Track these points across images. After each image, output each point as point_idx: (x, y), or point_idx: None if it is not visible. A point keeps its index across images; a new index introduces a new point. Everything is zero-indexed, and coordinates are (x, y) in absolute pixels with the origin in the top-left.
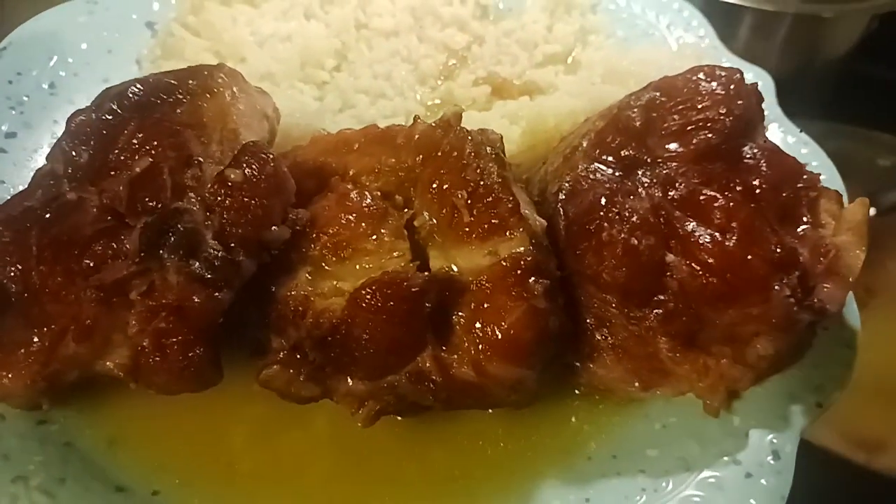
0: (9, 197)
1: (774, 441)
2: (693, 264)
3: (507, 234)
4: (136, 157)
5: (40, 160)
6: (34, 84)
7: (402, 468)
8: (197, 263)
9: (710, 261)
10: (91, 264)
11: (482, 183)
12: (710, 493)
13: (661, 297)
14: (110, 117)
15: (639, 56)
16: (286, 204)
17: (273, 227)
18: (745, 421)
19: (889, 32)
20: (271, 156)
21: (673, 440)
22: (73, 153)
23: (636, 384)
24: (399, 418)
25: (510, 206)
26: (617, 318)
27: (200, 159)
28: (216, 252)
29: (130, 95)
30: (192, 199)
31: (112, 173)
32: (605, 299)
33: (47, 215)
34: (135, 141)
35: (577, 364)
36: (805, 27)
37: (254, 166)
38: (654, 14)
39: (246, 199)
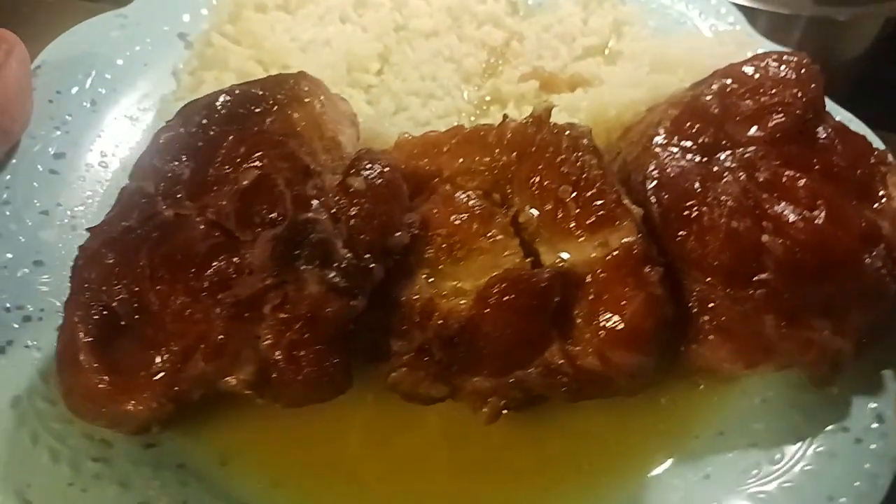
0: (66, 221)
1: (875, 406)
2: (787, 243)
3: (616, 224)
4: (242, 170)
5: (93, 180)
6: (75, 102)
7: (522, 461)
8: (332, 273)
9: (803, 238)
10: (216, 280)
11: (584, 175)
12: (825, 461)
13: (762, 277)
14: (202, 131)
15: (682, 46)
16: (404, 209)
17: (396, 233)
18: (843, 389)
19: None
20: (387, 162)
21: (776, 413)
22: (165, 170)
23: (741, 363)
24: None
25: (614, 196)
26: (721, 300)
27: (319, 169)
28: (349, 260)
29: (219, 108)
30: (317, 209)
31: (214, 188)
32: (708, 283)
33: (153, 234)
34: (237, 154)
35: (682, 348)
36: (819, 30)
37: (373, 173)
38: (683, 4)
39: (370, 207)
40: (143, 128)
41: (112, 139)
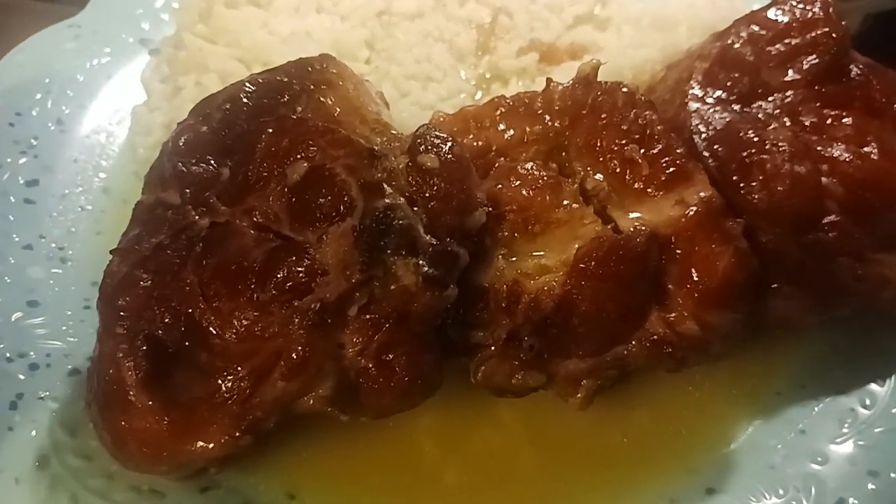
0: (53, 253)
1: None
2: (847, 182)
3: (689, 179)
4: (288, 164)
5: (73, 205)
6: (39, 123)
7: (610, 442)
8: (421, 261)
9: (862, 176)
10: (289, 287)
11: (647, 132)
12: None
13: (829, 220)
14: (228, 128)
15: (678, 4)
16: (477, 185)
17: (475, 212)
18: None
19: (882, 31)
20: (451, 137)
21: (851, 359)
22: (192, 174)
23: (817, 309)
24: None
25: (682, 150)
26: (791, 248)
27: (385, 151)
28: (435, 246)
29: (244, 99)
30: (392, 194)
31: (257, 188)
32: (777, 232)
33: (196, 248)
34: (278, 147)
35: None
36: None
37: (444, 149)
38: None
39: (447, 186)
40: (119, 144)
41: (87, 159)
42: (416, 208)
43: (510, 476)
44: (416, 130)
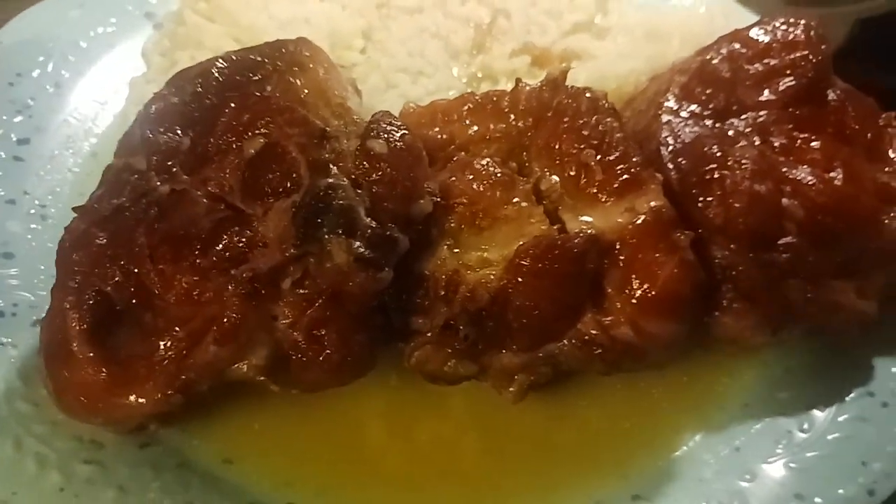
0: (34, 210)
1: None
2: (808, 205)
3: (642, 188)
4: (246, 139)
5: (61, 166)
6: (37, 86)
7: (552, 441)
8: (357, 243)
9: (824, 200)
10: (228, 256)
11: (606, 139)
12: (856, 426)
13: (785, 241)
14: (197, 100)
15: (674, 17)
16: (425, 175)
17: (420, 200)
18: (864, 354)
19: (871, 36)
20: (405, 125)
21: (800, 382)
22: (159, 142)
23: (767, 329)
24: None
25: (638, 159)
26: (745, 266)
27: (336, 133)
28: (374, 229)
29: (216, 74)
30: (337, 175)
31: (215, 159)
32: (731, 249)
33: (151, 211)
34: (239, 122)
35: (705, 318)
36: None
37: (394, 137)
38: None
39: (393, 172)
40: (114, 112)
41: (80, 124)
42: (360, 191)
43: (451, 466)
44: (372, 116)
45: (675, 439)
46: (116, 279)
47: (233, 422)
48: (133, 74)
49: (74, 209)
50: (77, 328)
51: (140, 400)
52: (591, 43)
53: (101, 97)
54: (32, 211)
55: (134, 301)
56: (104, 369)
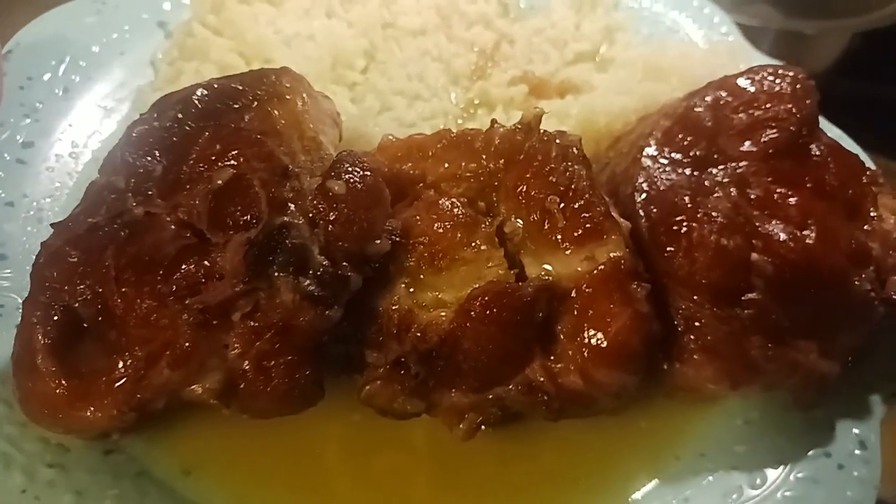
0: (32, 213)
1: (858, 431)
2: (777, 262)
3: (603, 237)
4: (216, 169)
5: (61, 171)
6: (47, 89)
7: (503, 480)
8: (307, 281)
9: (793, 258)
10: (185, 285)
11: (572, 186)
12: (808, 487)
13: (750, 297)
14: (176, 126)
15: (675, 54)
16: (385, 216)
17: (376, 240)
18: (826, 412)
19: (870, 49)
20: (369, 166)
21: (759, 436)
22: (138, 165)
23: (726, 383)
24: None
25: (603, 209)
26: (707, 319)
27: (297, 170)
28: (326, 268)
29: (196, 102)
30: (293, 213)
31: (187, 186)
32: (694, 300)
33: (121, 233)
34: (212, 151)
35: (665, 365)
36: (787, 43)
37: (354, 178)
38: (676, 12)
39: (350, 213)
40: (118, 119)
41: (84, 129)
42: (316, 230)
43: (402, 497)
44: (337, 155)
45: (627, 486)
46: (84, 297)
47: (195, 435)
48: (140, 82)
49: (52, 225)
50: (42, 342)
51: (97, 414)
52: (591, 74)
53: (107, 103)
54: (30, 213)
55: (99, 319)
56: (64, 382)
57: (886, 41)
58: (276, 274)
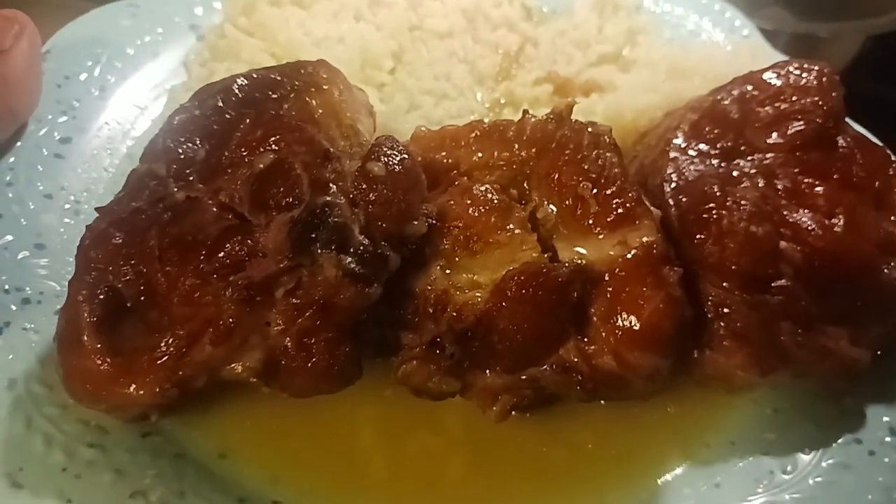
0: (69, 205)
1: (888, 419)
2: (806, 250)
3: (636, 223)
4: (257, 153)
5: (98, 166)
6: (84, 88)
7: (537, 462)
8: (348, 258)
9: (822, 246)
10: (228, 263)
11: (605, 173)
12: (839, 473)
13: (779, 283)
14: (217, 114)
15: (698, 55)
16: (422, 198)
17: (414, 222)
18: (857, 401)
19: (883, 51)
20: (406, 150)
21: (788, 423)
22: (179, 152)
23: (756, 370)
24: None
25: (635, 195)
26: (737, 305)
27: (338, 153)
28: (366, 247)
29: (236, 91)
30: (335, 193)
31: (228, 171)
32: (724, 287)
33: (164, 216)
34: (253, 137)
35: (695, 353)
36: (801, 45)
37: (393, 160)
38: (697, 16)
39: (389, 194)
40: (152, 117)
41: (119, 127)
42: (356, 210)
43: (437, 479)
44: (376, 139)
45: (658, 470)
46: (127, 277)
47: (231, 418)
48: (174, 82)
49: (97, 209)
50: (88, 320)
51: (140, 391)
52: (615, 75)
53: (142, 102)
54: (67, 206)
55: (142, 298)
56: (109, 360)
57: None
58: (318, 251)
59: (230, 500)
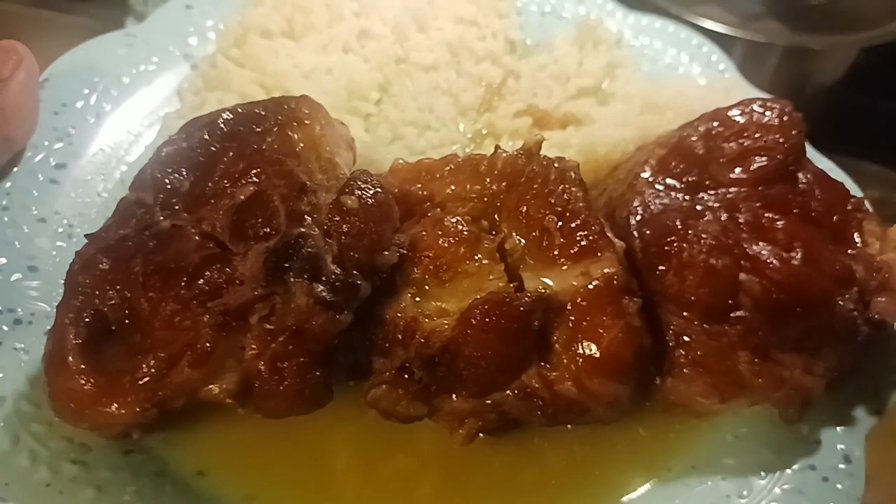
0: (62, 229)
1: (843, 446)
2: (764, 282)
3: (598, 255)
4: (239, 185)
5: (91, 191)
6: (80, 115)
7: (500, 485)
8: (320, 287)
9: (780, 278)
10: (207, 289)
11: (570, 207)
12: (793, 498)
13: (738, 314)
14: (203, 146)
15: (672, 90)
16: (394, 229)
17: (385, 252)
18: (813, 428)
19: (876, 64)
20: (380, 183)
21: (747, 449)
22: (166, 182)
23: (715, 397)
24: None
25: (598, 228)
26: (697, 335)
27: (314, 186)
28: (338, 276)
29: (221, 125)
30: (310, 225)
31: (211, 201)
32: (685, 317)
33: (149, 243)
34: (235, 169)
35: (657, 380)
36: (794, 58)
37: (366, 194)
38: (675, 50)
39: (361, 225)
40: (146, 144)
41: (113, 153)
42: (329, 240)
43: (409, 498)
44: (351, 173)
45: (622, 492)
46: (113, 301)
47: (209, 437)
48: (167, 110)
49: (86, 236)
50: (73, 341)
51: (121, 410)
52: (592, 108)
53: (136, 129)
54: (60, 230)
55: (126, 322)
56: (92, 380)
57: (893, 56)
58: (292, 279)
59: None
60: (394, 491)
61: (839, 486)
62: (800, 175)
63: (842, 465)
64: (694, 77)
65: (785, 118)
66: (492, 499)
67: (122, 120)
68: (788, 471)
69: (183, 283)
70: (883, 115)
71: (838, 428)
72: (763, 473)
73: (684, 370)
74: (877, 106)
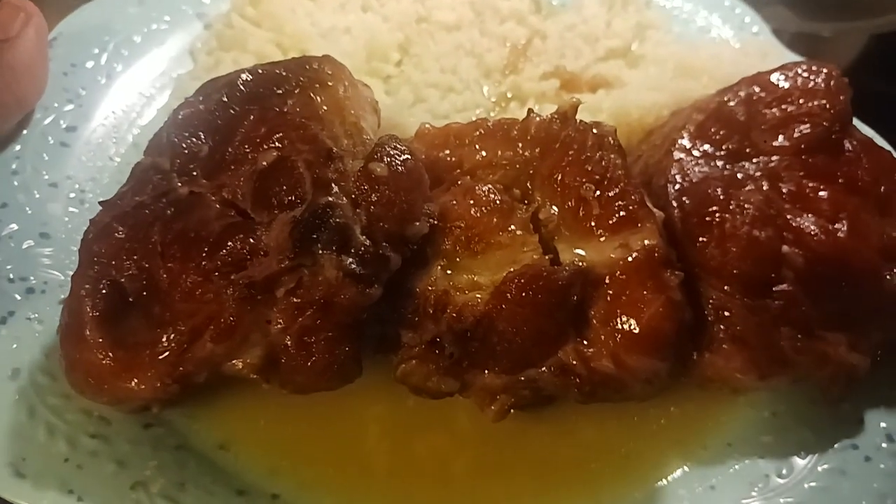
0: (74, 194)
1: (885, 425)
2: (808, 255)
3: (638, 225)
4: (261, 151)
5: (103, 154)
6: (90, 76)
7: (533, 461)
8: (349, 259)
9: (824, 251)
10: (230, 261)
11: (608, 175)
12: (834, 478)
13: (780, 288)
14: (221, 109)
15: (706, 53)
16: (424, 199)
17: (415, 222)
18: (854, 406)
19: (885, 50)
20: (409, 150)
21: (785, 427)
22: (183, 146)
23: (755, 374)
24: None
25: (637, 197)
26: (737, 309)
27: (341, 153)
28: (367, 247)
29: (241, 86)
30: (337, 194)
31: (231, 167)
32: (725, 290)
33: (167, 211)
34: (257, 134)
35: (695, 355)
36: (804, 45)
37: (396, 161)
38: (706, 12)
39: (391, 194)
40: (158, 106)
41: (125, 116)
42: (358, 210)
43: (442, 476)
44: (379, 138)
45: (657, 470)
46: (130, 272)
47: (232, 410)
48: (180, 71)
49: (101, 203)
50: (90, 314)
51: (141, 385)
52: (622, 70)
53: (148, 91)
54: (72, 195)
55: (144, 293)
56: (111, 354)
57: None
58: (320, 251)
59: (230, 492)
60: (425, 469)
61: (882, 465)
62: (845, 143)
63: (885, 445)
64: (728, 40)
65: (831, 83)
66: (528, 477)
67: (133, 81)
68: (829, 450)
69: (204, 254)
70: (893, 102)
71: (881, 406)
72: (803, 453)
73: (723, 345)
74: (887, 92)
